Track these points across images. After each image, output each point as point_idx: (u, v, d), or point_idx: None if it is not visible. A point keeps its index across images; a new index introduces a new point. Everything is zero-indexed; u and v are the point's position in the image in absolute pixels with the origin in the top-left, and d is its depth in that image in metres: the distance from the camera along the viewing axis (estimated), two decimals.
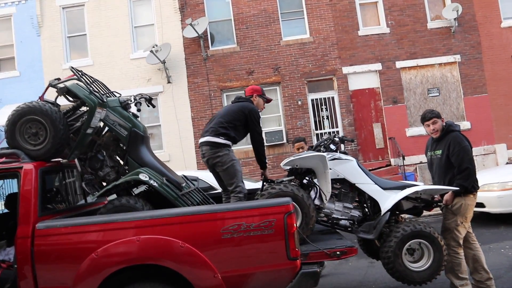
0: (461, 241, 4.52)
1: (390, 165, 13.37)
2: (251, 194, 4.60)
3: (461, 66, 13.78)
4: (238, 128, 4.39)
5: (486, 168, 12.78)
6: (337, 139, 4.76)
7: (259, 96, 4.70)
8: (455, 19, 13.52)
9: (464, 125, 13.26)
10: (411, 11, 13.87)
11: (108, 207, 3.93)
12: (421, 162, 13.19)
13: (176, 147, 13.13)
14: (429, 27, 13.82)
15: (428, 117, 4.69)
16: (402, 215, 4.82)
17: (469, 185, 4.43)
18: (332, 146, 4.67)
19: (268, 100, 4.86)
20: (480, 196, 6.49)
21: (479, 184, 4.72)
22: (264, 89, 5.29)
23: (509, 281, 5.07)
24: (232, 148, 4.40)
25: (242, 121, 4.39)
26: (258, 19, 13.68)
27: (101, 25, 13.50)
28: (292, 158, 4.38)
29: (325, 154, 4.30)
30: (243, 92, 4.88)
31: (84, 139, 4.17)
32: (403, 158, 12.60)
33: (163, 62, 12.85)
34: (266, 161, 4.59)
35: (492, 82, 13.79)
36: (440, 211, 4.78)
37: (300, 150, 6.29)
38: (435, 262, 4.19)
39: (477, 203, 4.97)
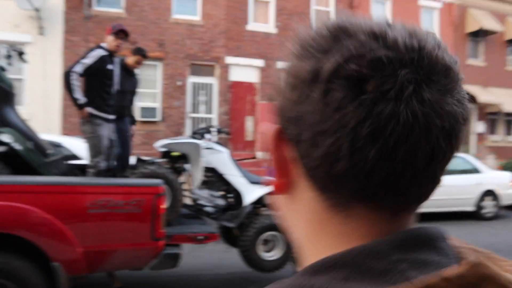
0: None
1: (255, 157, 14.14)
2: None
3: None
4: (92, 86, 4.04)
5: None
6: (214, 129, 4.97)
7: (110, 34, 4.22)
8: None
9: None
10: (298, 18, 14.76)
11: None
12: None
13: (39, 106, 11.97)
14: None
15: None
16: (262, 208, 5.25)
17: None
18: (208, 136, 4.87)
19: (124, 34, 4.23)
20: None
21: None
22: (145, 63, 4.91)
23: None
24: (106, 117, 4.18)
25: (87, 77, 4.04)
26: None
27: None
28: (168, 141, 4.47)
29: (200, 142, 4.48)
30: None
31: None
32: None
33: (37, 10, 11.59)
34: (80, 101, 4.02)
35: None
36: None
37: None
38: (285, 253, 4.69)
39: None
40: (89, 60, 3.95)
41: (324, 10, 15.29)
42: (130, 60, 4.46)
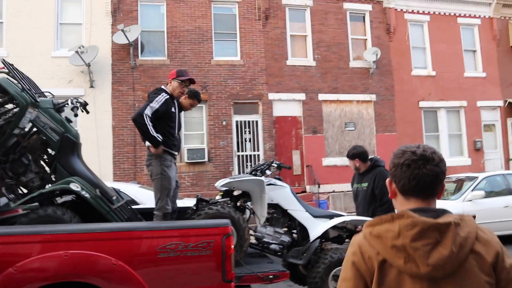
0: None
1: (305, 191, 13.91)
2: (181, 213, 4.50)
3: (376, 105, 14.93)
4: (157, 128, 4.04)
5: None
6: (275, 165, 4.89)
7: (174, 79, 4.29)
8: (374, 61, 14.69)
9: None
10: (336, 49, 14.80)
11: (31, 217, 3.61)
12: (333, 191, 13.90)
13: (93, 156, 12.39)
14: (351, 65, 14.84)
15: (348, 155, 5.08)
16: (325, 243, 5.04)
17: None
18: (268, 172, 4.78)
19: (190, 82, 4.36)
20: None
21: None
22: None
23: None
24: (171, 156, 4.21)
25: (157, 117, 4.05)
26: (191, 35, 13.64)
27: (22, 15, 12.50)
28: (229, 180, 4.40)
29: (263, 178, 4.39)
30: None
31: (9, 139, 3.83)
32: (319, 186, 13.19)
33: (88, 65, 12.23)
34: (158, 138, 4.00)
35: (401, 122, 15.11)
36: None
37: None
38: None
39: None
40: (156, 104, 4.02)
41: (362, 38, 15.26)
42: (186, 102, 4.51)
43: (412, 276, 1.32)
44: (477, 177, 9.74)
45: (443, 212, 1.40)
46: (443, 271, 1.30)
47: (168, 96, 4.15)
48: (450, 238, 1.31)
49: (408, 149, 1.45)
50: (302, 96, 14.32)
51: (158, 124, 4.01)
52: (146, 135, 3.98)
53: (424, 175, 1.41)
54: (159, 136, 3.98)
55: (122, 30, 12.23)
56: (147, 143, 4.06)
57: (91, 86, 12.62)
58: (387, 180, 1.52)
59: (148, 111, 3.94)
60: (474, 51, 16.50)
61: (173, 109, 4.19)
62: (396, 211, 1.46)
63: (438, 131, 15.71)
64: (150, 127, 3.91)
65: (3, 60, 4.04)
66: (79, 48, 11.86)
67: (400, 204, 1.47)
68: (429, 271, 1.29)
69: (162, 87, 4.30)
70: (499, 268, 1.34)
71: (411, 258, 1.31)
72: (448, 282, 1.31)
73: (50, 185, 3.98)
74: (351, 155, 5.03)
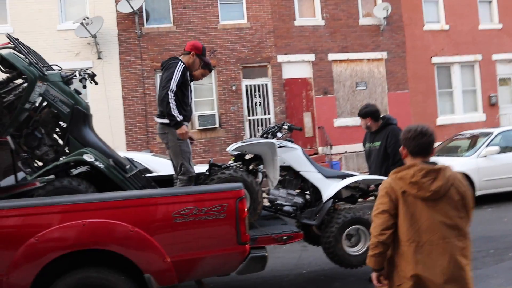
0: None
1: (317, 153, 13.93)
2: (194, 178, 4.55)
3: (387, 63, 14.64)
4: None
5: None
6: (285, 127, 4.88)
7: (197, 55, 4.25)
8: (384, 18, 14.29)
9: None
10: (345, 6, 14.40)
11: (48, 189, 3.70)
12: (346, 152, 13.90)
13: (105, 127, 12.47)
14: (360, 23, 14.47)
15: (359, 113, 5.03)
16: (338, 203, 5.08)
17: None
18: (279, 134, 4.78)
19: (206, 65, 4.37)
20: None
21: None
22: None
23: None
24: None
25: None
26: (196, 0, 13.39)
27: None
28: (241, 143, 4.42)
29: (274, 141, 4.39)
30: None
31: (21, 114, 3.87)
32: (331, 147, 13.19)
33: (94, 37, 12.14)
34: (179, 118, 3.97)
35: (413, 80, 14.84)
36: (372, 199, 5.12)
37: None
38: None
39: None
40: (178, 75, 3.99)
41: None
42: (197, 72, 4.48)
43: (421, 198, 2.37)
44: (491, 133, 9.61)
45: (434, 163, 2.46)
46: (438, 195, 2.36)
47: (185, 66, 4.11)
48: (442, 176, 2.37)
49: (412, 128, 2.49)
50: (311, 57, 14.09)
51: (177, 94, 4.00)
52: (168, 114, 3.95)
53: (423, 143, 2.44)
54: (180, 116, 3.95)
55: None
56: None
57: (99, 58, 12.58)
58: (401, 148, 2.55)
59: (173, 86, 3.93)
60: (490, 2, 15.91)
61: (188, 79, 4.17)
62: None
63: (452, 87, 15.40)
64: (173, 106, 3.90)
65: (8, 35, 4.02)
66: (84, 19, 11.76)
67: (410, 160, 2.50)
68: (431, 195, 2.35)
69: (177, 57, 4.25)
70: (465, 196, 2.42)
71: (421, 188, 2.36)
72: (440, 201, 2.36)
73: (64, 157, 4.04)
74: (363, 114, 4.98)
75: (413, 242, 2.34)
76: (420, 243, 2.33)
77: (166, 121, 4.02)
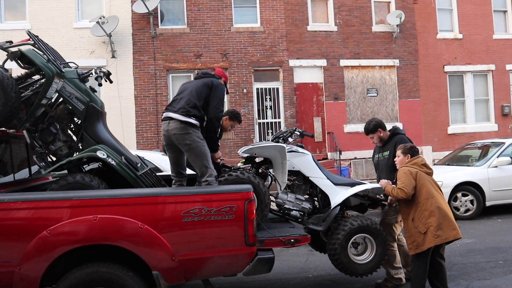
0: (396, 237, 4.92)
1: (326, 158, 13.92)
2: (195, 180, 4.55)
3: (399, 70, 14.60)
4: (205, 107, 4.11)
5: None
6: (297, 132, 4.90)
7: (224, 84, 4.40)
8: (397, 25, 14.26)
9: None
10: (358, 13, 14.41)
11: (61, 183, 3.77)
12: (355, 158, 13.87)
13: (116, 125, 12.62)
14: (373, 30, 14.46)
15: (368, 130, 5.05)
16: (348, 211, 5.08)
17: None
18: (290, 139, 4.80)
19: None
20: None
21: None
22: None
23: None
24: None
25: (207, 98, 4.11)
26: (210, 2, 13.48)
27: None
28: (251, 146, 4.45)
29: (284, 145, 4.42)
30: (191, 74, 4.74)
31: (37, 109, 3.95)
32: (340, 153, 13.17)
33: (109, 36, 12.29)
34: (218, 145, 4.30)
35: (425, 88, 14.77)
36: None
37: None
38: (377, 256, 4.49)
39: None
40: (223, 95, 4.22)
41: (385, 1, 14.77)
42: (227, 124, 5.02)
43: (427, 173, 4.38)
44: (503, 143, 9.54)
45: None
46: (432, 172, 4.47)
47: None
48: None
49: (410, 144, 4.65)
50: (323, 62, 14.11)
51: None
52: (214, 138, 4.17)
53: (417, 151, 4.52)
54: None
55: None
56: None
57: (113, 57, 12.72)
58: (407, 156, 4.54)
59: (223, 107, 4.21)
60: (505, 12, 15.81)
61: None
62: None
63: (464, 96, 15.31)
64: (217, 131, 4.21)
65: (29, 31, 4.11)
66: (100, 18, 11.91)
67: (411, 158, 4.49)
68: (431, 172, 4.44)
69: (219, 76, 4.42)
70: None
71: (428, 168, 4.41)
72: (431, 176, 4.46)
73: (77, 153, 4.11)
74: (372, 128, 4.98)
75: (428, 199, 4.24)
76: (432, 198, 4.25)
77: (192, 120, 3.97)
